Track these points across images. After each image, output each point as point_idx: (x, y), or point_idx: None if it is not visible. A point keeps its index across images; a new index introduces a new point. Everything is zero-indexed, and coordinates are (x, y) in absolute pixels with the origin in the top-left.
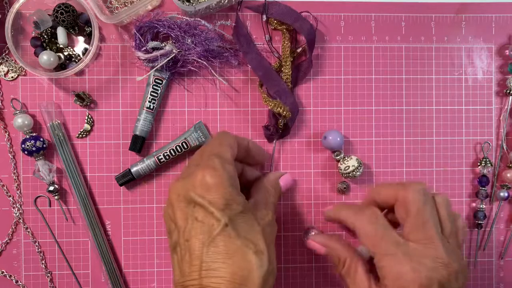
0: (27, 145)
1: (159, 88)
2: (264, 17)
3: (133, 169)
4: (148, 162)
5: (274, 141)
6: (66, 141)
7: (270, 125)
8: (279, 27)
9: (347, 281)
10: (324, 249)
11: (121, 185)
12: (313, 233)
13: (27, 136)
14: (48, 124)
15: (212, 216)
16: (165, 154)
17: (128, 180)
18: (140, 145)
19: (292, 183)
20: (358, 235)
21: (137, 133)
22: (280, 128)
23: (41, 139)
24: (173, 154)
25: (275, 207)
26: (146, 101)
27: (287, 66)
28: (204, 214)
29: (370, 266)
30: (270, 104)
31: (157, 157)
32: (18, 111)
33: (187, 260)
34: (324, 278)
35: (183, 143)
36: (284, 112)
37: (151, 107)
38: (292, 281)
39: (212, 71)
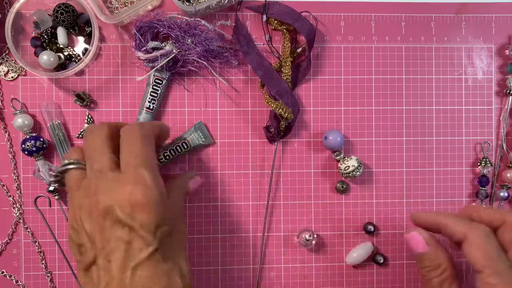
0: (27, 145)
1: (159, 88)
2: (264, 17)
3: None
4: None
5: (276, 143)
6: (66, 141)
7: (272, 127)
8: (279, 27)
9: None
10: (428, 248)
11: None
12: (308, 235)
13: (27, 136)
14: (48, 124)
15: (142, 240)
16: (166, 154)
17: None
18: None
19: (200, 185)
20: (468, 247)
21: None
22: (282, 130)
23: (41, 139)
24: (173, 154)
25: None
26: (145, 101)
27: (287, 66)
28: (131, 236)
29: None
30: (273, 105)
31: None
32: (18, 111)
33: (106, 283)
34: (324, 278)
35: (183, 143)
36: (287, 114)
37: (151, 107)
38: (292, 281)
39: (212, 71)
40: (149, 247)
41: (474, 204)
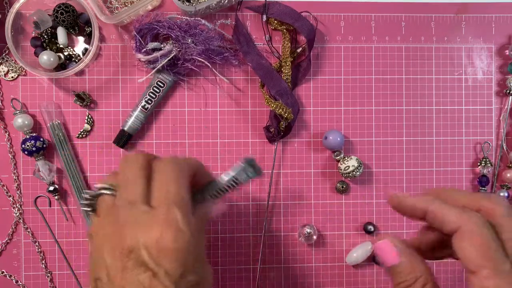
0: (27, 145)
1: (159, 91)
2: (264, 17)
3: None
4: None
5: (276, 143)
6: (66, 141)
7: (272, 127)
8: (279, 27)
9: None
10: (400, 258)
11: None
12: (308, 230)
13: (27, 136)
14: (48, 124)
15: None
16: (146, 99)
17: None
18: (125, 141)
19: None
20: (459, 241)
21: (125, 128)
22: (281, 130)
23: (41, 139)
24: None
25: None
26: (142, 100)
27: (287, 66)
28: (153, 283)
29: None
30: (272, 105)
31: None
32: (18, 111)
33: None
34: (324, 278)
35: (233, 182)
36: (286, 114)
37: (146, 107)
38: (292, 281)
39: (214, 70)
40: None
41: (447, 189)
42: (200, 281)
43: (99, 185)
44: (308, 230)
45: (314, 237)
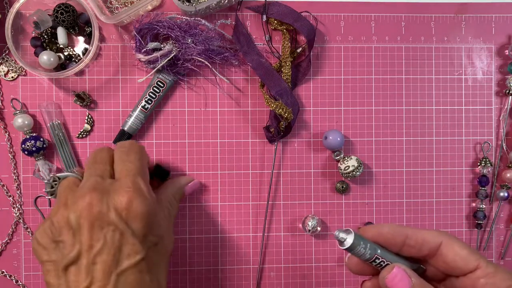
0: (27, 145)
1: (159, 91)
2: (264, 17)
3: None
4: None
5: (276, 143)
6: (66, 141)
7: (272, 126)
8: (279, 27)
9: None
10: (412, 281)
11: None
12: (312, 221)
13: (27, 136)
14: (48, 124)
15: (131, 247)
16: (146, 99)
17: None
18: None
19: (199, 186)
20: (449, 249)
21: (125, 128)
22: (282, 130)
23: (41, 139)
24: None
25: (173, 221)
26: (142, 100)
27: (287, 66)
28: (121, 241)
29: None
30: (272, 105)
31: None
32: (18, 111)
33: (85, 286)
34: (324, 278)
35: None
36: (286, 114)
37: (146, 107)
38: (292, 281)
39: (214, 70)
40: (137, 255)
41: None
42: (159, 242)
43: (66, 172)
44: (313, 223)
45: (319, 228)
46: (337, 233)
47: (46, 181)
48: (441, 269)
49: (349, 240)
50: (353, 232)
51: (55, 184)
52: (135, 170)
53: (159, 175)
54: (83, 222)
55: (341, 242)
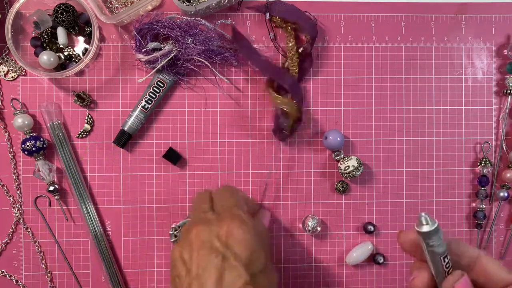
0: (27, 145)
1: (159, 91)
2: (268, 15)
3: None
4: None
5: (281, 143)
6: (66, 141)
7: (283, 125)
8: (283, 25)
9: None
10: None
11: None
12: (312, 222)
13: (27, 136)
14: (48, 124)
15: (235, 270)
16: (146, 99)
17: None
18: (125, 141)
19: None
20: (487, 263)
21: (125, 128)
22: (293, 128)
23: (41, 139)
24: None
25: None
26: (142, 100)
27: (294, 64)
28: (224, 265)
29: None
30: (282, 103)
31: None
32: (18, 111)
33: None
34: (324, 278)
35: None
36: (295, 112)
37: (146, 107)
38: (292, 281)
39: (214, 70)
40: (241, 278)
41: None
42: (264, 270)
43: (181, 221)
44: (313, 223)
45: (319, 228)
46: (424, 214)
47: (170, 232)
48: (480, 281)
49: (432, 226)
50: (436, 222)
51: (178, 232)
52: (233, 203)
53: (171, 157)
54: (192, 254)
55: (423, 225)
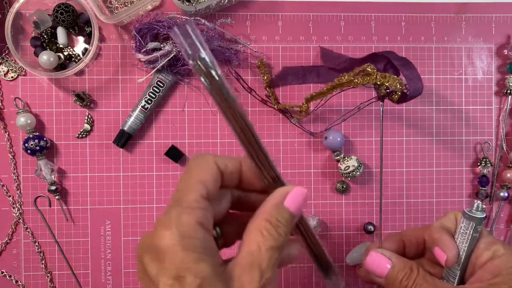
0: (31, 144)
1: (159, 91)
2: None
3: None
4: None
5: (381, 104)
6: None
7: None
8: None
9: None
10: (391, 263)
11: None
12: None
13: (30, 136)
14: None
15: None
16: (146, 99)
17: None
18: (125, 141)
19: (306, 197)
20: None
21: (125, 128)
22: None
23: (44, 139)
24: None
25: (274, 261)
26: (142, 100)
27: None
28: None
29: None
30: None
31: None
32: (21, 110)
33: None
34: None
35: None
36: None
37: (146, 107)
38: (292, 281)
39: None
40: None
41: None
42: (204, 284)
43: None
44: (312, 223)
45: (319, 229)
46: (479, 202)
47: None
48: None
49: (483, 213)
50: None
51: None
52: (174, 194)
53: (173, 155)
54: (138, 273)
55: (478, 211)
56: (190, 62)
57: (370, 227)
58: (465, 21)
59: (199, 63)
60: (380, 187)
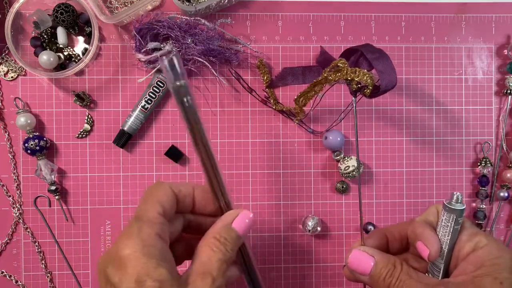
0: (31, 144)
1: (159, 91)
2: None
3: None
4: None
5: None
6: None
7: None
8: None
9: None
10: (374, 260)
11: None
12: (312, 222)
13: (30, 135)
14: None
15: None
16: (146, 99)
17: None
18: (125, 141)
19: (252, 220)
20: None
21: (125, 128)
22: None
23: (44, 139)
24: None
25: (223, 270)
26: (142, 100)
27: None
28: None
29: None
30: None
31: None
32: (21, 110)
33: None
34: (324, 278)
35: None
36: (367, 80)
37: (146, 107)
38: (292, 281)
39: (213, 70)
40: None
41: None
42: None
43: None
44: (312, 224)
45: (319, 228)
46: (458, 193)
47: None
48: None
49: (463, 205)
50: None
51: None
52: (134, 214)
53: (173, 155)
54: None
55: (458, 203)
56: (170, 87)
57: (370, 227)
58: (465, 21)
59: (177, 89)
60: (359, 183)
